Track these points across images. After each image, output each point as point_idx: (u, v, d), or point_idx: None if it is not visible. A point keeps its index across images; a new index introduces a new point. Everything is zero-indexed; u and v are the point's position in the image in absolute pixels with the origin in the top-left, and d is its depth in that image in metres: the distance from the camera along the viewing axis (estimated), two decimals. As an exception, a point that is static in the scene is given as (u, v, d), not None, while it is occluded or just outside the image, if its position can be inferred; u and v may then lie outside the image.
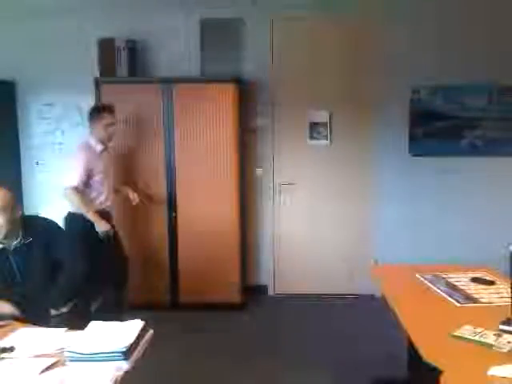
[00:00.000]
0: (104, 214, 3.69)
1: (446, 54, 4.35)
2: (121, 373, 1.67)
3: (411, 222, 4.56)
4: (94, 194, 3.67)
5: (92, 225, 3.58)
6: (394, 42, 4.35)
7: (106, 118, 3.68)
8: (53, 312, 2.49)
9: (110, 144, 3.84)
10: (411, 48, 4.36)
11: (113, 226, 3.78)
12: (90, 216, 3.56)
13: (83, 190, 3.58)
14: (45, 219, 2.78)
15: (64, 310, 2.52)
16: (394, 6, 4.26)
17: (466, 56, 4.34)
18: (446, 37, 4.35)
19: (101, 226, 3.58)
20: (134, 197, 3.98)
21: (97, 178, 3.65)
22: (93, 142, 3.70)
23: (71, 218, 3.61)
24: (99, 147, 3.69)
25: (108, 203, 3.79)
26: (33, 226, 2.59)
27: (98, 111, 3.72)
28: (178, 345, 3.57)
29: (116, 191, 3.99)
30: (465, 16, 4.32)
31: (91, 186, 3.64)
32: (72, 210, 3.63)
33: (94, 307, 3.13)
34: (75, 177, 3.53)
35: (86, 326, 1.94)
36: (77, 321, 2.17)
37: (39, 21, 4.46)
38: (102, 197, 3.72)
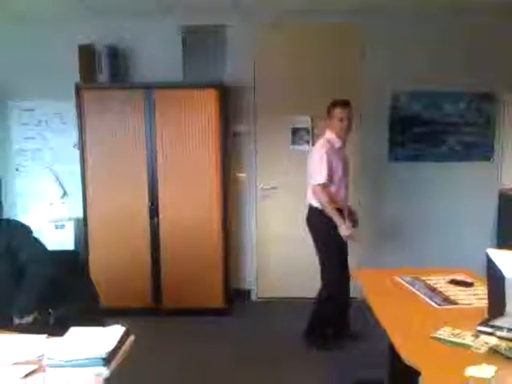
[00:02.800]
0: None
1: (425, 62, 4.44)
2: (101, 379, 1.66)
3: (392, 227, 4.62)
4: (332, 192, 3.59)
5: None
6: (374, 50, 4.42)
7: (339, 114, 3.60)
8: (16, 321, 2.40)
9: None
10: (391, 55, 4.44)
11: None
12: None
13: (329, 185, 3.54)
14: (8, 220, 2.71)
15: (29, 319, 2.42)
16: (375, 14, 4.32)
17: (444, 63, 4.43)
18: (425, 45, 4.44)
19: (341, 230, 3.51)
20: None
21: (335, 174, 3.59)
22: (332, 137, 3.63)
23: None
24: (338, 143, 3.64)
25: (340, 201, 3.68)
26: None
27: (332, 106, 3.63)
28: (160, 351, 3.55)
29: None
30: (443, 25, 4.41)
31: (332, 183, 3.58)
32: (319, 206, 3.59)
33: (52, 319, 3.03)
34: (323, 174, 3.50)
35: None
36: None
37: (20, 27, 4.45)
38: (336, 193, 3.62)
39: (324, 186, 3.51)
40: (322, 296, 3.71)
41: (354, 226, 3.76)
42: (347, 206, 3.78)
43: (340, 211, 3.60)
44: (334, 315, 3.74)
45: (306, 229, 3.77)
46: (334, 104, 3.64)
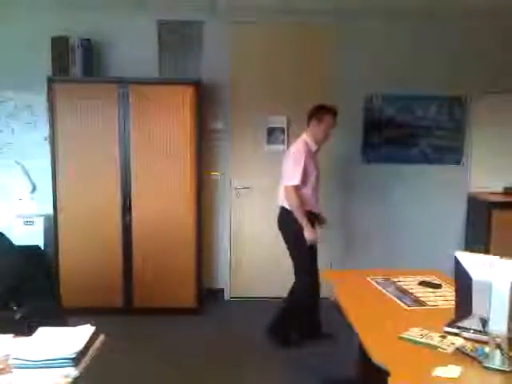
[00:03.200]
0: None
1: (398, 65, 4.51)
2: (69, 380, 1.63)
3: (365, 229, 4.68)
4: (304, 194, 3.58)
5: None
6: (348, 52, 4.47)
7: (328, 122, 3.62)
8: None
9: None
10: (365, 57, 4.50)
11: None
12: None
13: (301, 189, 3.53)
14: None
15: None
16: (349, 16, 4.36)
17: (417, 67, 4.52)
18: (398, 48, 4.51)
19: (307, 235, 3.51)
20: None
21: (310, 178, 3.59)
22: (309, 140, 3.63)
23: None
24: (314, 147, 3.64)
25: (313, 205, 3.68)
26: None
27: (326, 112, 3.62)
28: (131, 351, 3.51)
29: None
30: (416, 29, 4.48)
31: (305, 186, 3.56)
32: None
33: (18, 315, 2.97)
34: (297, 176, 3.49)
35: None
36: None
37: (-11, 15, 4.32)
38: (310, 197, 3.62)
39: (297, 188, 3.52)
40: (292, 295, 3.73)
41: (322, 226, 3.82)
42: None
43: (313, 214, 3.64)
44: (304, 316, 3.77)
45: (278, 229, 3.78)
46: (329, 111, 3.65)
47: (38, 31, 4.24)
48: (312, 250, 3.69)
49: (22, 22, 4.32)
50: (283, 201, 3.65)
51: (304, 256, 3.63)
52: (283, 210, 3.68)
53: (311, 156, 3.62)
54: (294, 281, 3.73)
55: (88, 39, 4.25)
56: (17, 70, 4.31)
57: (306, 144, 3.62)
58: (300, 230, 3.54)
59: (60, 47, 4.10)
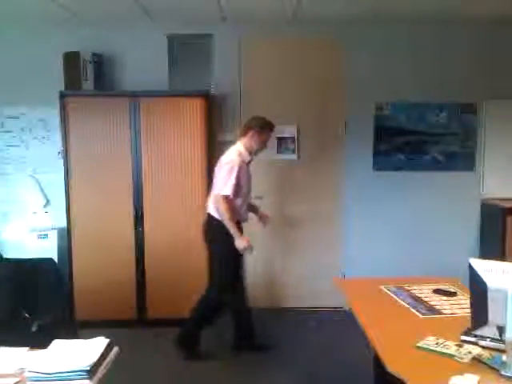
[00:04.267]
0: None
1: (408, 73, 4.51)
2: (84, 392, 1.64)
3: (377, 237, 4.66)
4: (237, 204, 3.58)
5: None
6: (358, 61, 4.48)
7: (267, 134, 3.64)
8: None
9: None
10: (376, 66, 4.51)
11: None
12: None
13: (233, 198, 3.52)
14: None
15: None
16: (358, 26, 4.38)
17: (427, 74, 4.51)
18: (408, 56, 4.51)
19: (239, 244, 3.50)
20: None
21: (243, 188, 3.59)
22: (243, 151, 3.63)
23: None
24: (248, 157, 3.64)
25: (242, 215, 3.71)
26: None
27: (263, 125, 3.64)
28: (145, 362, 3.51)
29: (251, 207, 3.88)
30: (426, 37, 4.49)
31: (237, 196, 3.55)
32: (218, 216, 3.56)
33: (35, 327, 2.99)
34: (229, 186, 3.47)
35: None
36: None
37: (5, 33, 4.41)
38: (241, 207, 3.63)
39: (227, 198, 3.48)
40: (199, 306, 3.71)
41: (264, 223, 3.93)
42: (257, 208, 3.90)
43: (238, 223, 3.63)
44: (243, 326, 3.75)
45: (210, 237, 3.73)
46: (267, 124, 3.65)
47: (51, 47, 4.31)
48: (239, 260, 3.66)
49: (35, 38, 4.40)
50: (212, 208, 3.60)
51: (228, 270, 3.60)
52: (210, 217, 3.62)
53: (244, 167, 3.60)
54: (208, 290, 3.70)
55: (99, 54, 4.31)
56: (30, 86, 4.38)
57: (241, 154, 3.60)
58: (227, 241, 3.49)
59: (72, 62, 4.16)
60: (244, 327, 3.76)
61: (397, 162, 4.62)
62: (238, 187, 3.51)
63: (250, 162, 3.69)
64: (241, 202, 3.61)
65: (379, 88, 4.53)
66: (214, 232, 3.60)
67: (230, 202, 3.49)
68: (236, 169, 3.48)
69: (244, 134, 3.66)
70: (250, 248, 3.55)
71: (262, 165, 4.65)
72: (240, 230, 3.58)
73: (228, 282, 3.61)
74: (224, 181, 3.48)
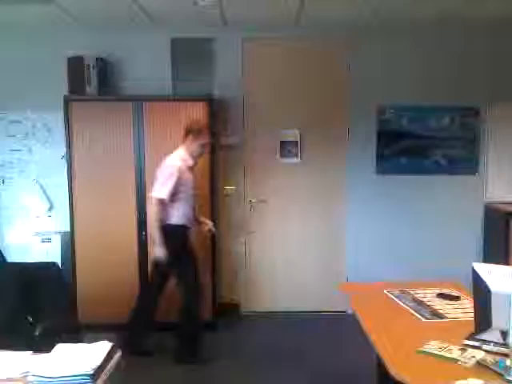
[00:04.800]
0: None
1: (411, 76, 4.51)
2: (88, 396, 1.64)
3: (381, 240, 4.65)
4: (177, 208, 3.57)
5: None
6: (362, 65, 4.49)
7: (205, 139, 3.65)
8: None
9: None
10: (378, 70, 4.51)
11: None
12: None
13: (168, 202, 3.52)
14: None
15: None
16: (364, 30, 4.39)
17: (430, 78, 4.51)
18: (410, 60, 4.51)
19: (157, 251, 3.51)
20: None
21: (185, 192, 3.59)
22: (185, 155, 3.63)
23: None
24: (191, 161, 3.65)
25: (191, 222, 3.73)
26: None
27: (201, 130, 3.65)
28: (147, 366, 3.51)
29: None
30: (428, 40, 4.49)
31: (179, 200, 3.56)
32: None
33: (38, 331, 2.99)
34: (164, 190, 3.47)
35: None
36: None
37: (8, 38, 4.44)
38: (184, 211, 3.63)
39: (161, 202, 3.47)
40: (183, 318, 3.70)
41: (212, 232, 3.93)
42: (200, 218, 3.87)
43: (187, 228, 3.64)
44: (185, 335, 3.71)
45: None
46: (207, 128, 3.68)
47: (55, 52, 4.32)
48: (194, 264, 3.67)
49: (39, 42, 4.42)
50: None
51: (187, 270, 3.61)
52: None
53: (186, 170, 3.60)
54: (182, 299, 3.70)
55: (103, 58, 4.33)
56: (34, 90, 4.40)
57: (183, 159, 3.60)
58: (183, 241, 3.54)
59: (76, 67, 4.17)
60: (188, 336, 3.69)
61: (399, 165, 4.61)
62: (177, 192, 3.51)
63: (193, 166, 3.68)
64: (183, 207, 3.59)
65: (382, 92, 4.53)
66: (168, 237, 3.55)
67: (165, 206, 3.49)
68: (176, 174, 3.49)
69: (184, 138, 3.67)
70: (162, 259, 3.52)
71: (265, 169, 4.67)
72: (186, 235, 3.60)
73: (191, 285, 3.62)
74: (161, 184, 3.49)
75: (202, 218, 3.91)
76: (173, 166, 3.53)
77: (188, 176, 3.61)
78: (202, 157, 3.81)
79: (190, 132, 3.64)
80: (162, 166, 3.60)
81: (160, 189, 3.49)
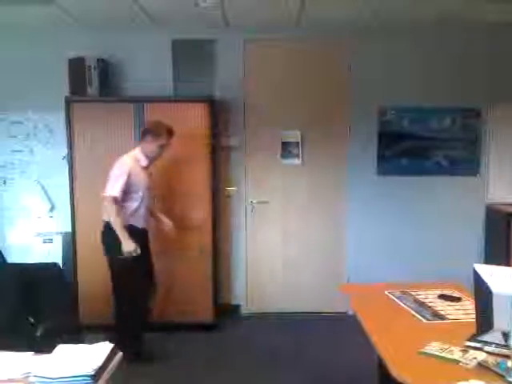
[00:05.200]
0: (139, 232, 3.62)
1: (412, 77, 4.51)
2: (89, 397, 1.64)
3: (382, 241, 4.64)
4: (130, 207, 3.55)
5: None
6: (363, 66, 4.49)
7: (164, 140, 3.61)
8: None
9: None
10: (379, 71, 4.51)
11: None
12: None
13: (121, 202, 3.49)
14: None
15: None
16: (365, 31, 4.39)
17: (431, 79, 4.51)
18: (411, 61, 4.51)
19: (125, 246, 3.44)
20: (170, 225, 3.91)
21: (138, 192, 3.56)
22: (140, 155, 3.62)
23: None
24: (145, 162, 3.62)
25: (145, 223, 3.72)
26: None
27: (161, 131, 3.60)
28: (147, 367, 3.51)
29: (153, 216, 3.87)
30: (429, 42, 4.49)
31: (131, 199, 3.54)
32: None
33: (40, 331, 2.98)
34: (116, 188, 3.44)
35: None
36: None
37: (9, 39, 4.44)
38: (138, 212, 3.61)
39: (115, 200, 3.45)
40: (118, 316, 3.63)
41: (169, 231, 3.88)
42: (160, 218, 3.85)
43: (138, 229, 3.61)
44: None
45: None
46: (166, 129, 3.62)
47: (56, 53, 4.33)
48: (141, 262, 3.59)
49: (40, 43, 4.43)
50: (104, 214, 3.58)
51: (127, 272, 3.50)
52: (106, 224, 3.57)
53: (139, 170, 3.58)
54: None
55: (104, 60, 4.34)
56: (35, 91, 4.40)
57: (136, 158, 3.59)
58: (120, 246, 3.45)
59: (77, 68, 4.18)
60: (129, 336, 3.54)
61: (400, 166, 4.61)
62: (129, 191, 3.50)
63: (148, 166, 3.67)
64: (136, 207, 3.57)
65: (383, 93, 4.53)
66: (109, 237, 3.52)
67: (120, 204, 3.48)
68: (127, 172, 3.47)
69: (141, 138, 3.66)
70: (135, 253, 3.46)
71: (266, 170, 4.67)
72: (135, 236, 3.54)
73: (128, 288, 3.52)
74: (113, 183, 3.47)
75: (163, 218, 3.90)
76: (123, 166, 3.51)
77: (141, 176, 3.58)
78: (161, 157, 3.75)
79: (149, 133, 3.61)
80: (113, 165, 3.57)
81: (111, 187, 3.47)
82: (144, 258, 3.66)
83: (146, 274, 3.74)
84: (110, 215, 3.46)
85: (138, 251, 3.48)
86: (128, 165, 3.52)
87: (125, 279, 3.53)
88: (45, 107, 4.43)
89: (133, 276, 3.53)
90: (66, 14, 3.98)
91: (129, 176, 3.48)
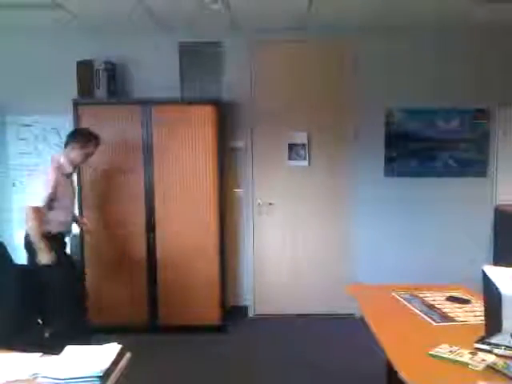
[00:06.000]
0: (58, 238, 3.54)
1: (420, 79, 4.49)
2: (97, 398, 1.65)
3: (389, 243, 4.62)
4: (54, 215, 3.47)
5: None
6: (368, 67, 4.47)
7: (91, 148, 3.59)
8: None
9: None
10: (387, 72, 4.50)
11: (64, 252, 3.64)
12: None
13: (45, 210, 3.40)
14: None
15: None
16: (371, 32, 4.38)
17: (439, 80, 4.49)
18: (419, 62, 4.49)
19: (43, 258, 3.32)
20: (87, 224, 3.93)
21: (62, 199, 3.49)
22: (64, 162, 3.55)
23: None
24: (69, 169, 3.57)
25: (69, 229, 3.68)
26: None
27: (89, 139, 3.57)
28: (156, 368, 3.52)
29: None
30: (437, 42, 4.47)
31: (54, 207, 3.45)
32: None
33: (47, 333, 2.97)
34: (40, 197, 3.35)
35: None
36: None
37: (19, 42, 4.48)
38: (62, 219, 3.55)
39: (38, 210, 3.34)
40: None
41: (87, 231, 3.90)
42: (80, 219, 3.88)
43: (64, 235, 3.58)
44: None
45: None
46: (92, 137, 3.58)
47: (64, 56, 4.36)
48: (69, 270, 3.53)
49: (48, 47, 4.46)
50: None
51: (57, 279, 3.35)
52: (28, 235, 3.45)
53: (63, 178, 3.52)
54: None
55: (112, 62, 4.36)
56: (44, 94, 4.43)
57: (59, 166, 3.51)
58: (58, 253, 3.39)
59: (85, 71, 4.21)
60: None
61: (408, 168, 4.59)
62: (54, 199, 3.41)
63: (71, 173, 3.62)
64: (61, 215, 3.52)
65: (390, 94, 4.51)
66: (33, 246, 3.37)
67: (41, 215, 3.36)
68: (51, 180, 3.37)
69: (65, 145, 3.59)
70: (50, 261, 3.33)
71: (273, 171, 4.67)
72: (63, 243, 3.54)
73: (65, 308, 3.36)
74: (37, 192, 3.37)
75: (83, 219, 3.93)
76: (47, 174, 3.42)
77: (65, 183, 3.53)
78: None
79: (76, 140, 3.56)
80: (35, 173, 3.52)
81: (35, 197, 3.36)
82: (68, 263, 3.59)
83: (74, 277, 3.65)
84: (32, 226, 3.33)
85: (54, 259, 3.35)
86: (53, 174, 3.43)
87: (57, 287, 3.38)
88: (53, 110, 4.45)
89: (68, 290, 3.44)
90: (75, 18, 4.01)
91: (52, 185, 3.38)
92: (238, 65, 4.53)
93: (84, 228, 3.94)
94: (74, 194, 3.77)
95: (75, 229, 4.30)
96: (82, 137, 3.58)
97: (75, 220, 3.86)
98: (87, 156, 3.62)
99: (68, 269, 3.52)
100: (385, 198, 4.60)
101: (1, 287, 2.64)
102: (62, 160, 3.56)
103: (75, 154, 3.56)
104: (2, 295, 2.61)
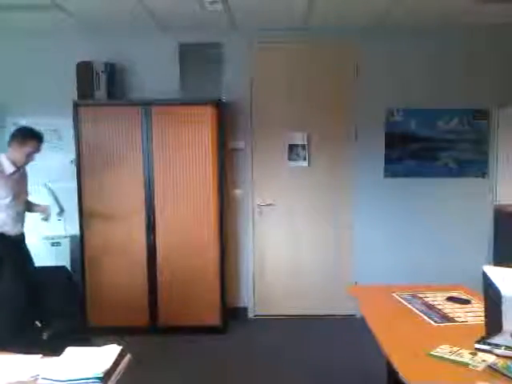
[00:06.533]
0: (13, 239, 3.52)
1: (419, 79, 4.49)
2: (97, 399, 1.64)
3: (389, 243, 4.63)
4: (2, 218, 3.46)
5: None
6: (368, 67, 4.48)
7: (30, 147, 3.53)
8: None
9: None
10: (387, 73, 4.50)
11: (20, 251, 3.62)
12: None
13: None
14: None
15: None
16: (371, 31, 4.39)
17: (439, 81, 4.49)
18: (419, 62, 4.50)
19: None
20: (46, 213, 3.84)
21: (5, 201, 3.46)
22: (5, 162, 3.51)
23: None
24: (11, 169, 3.52)
25: (16, 228, 3.62)
26: None
27: (28, 137, 3.53)
28: (156, 370, 3.52)
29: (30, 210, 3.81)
30: (437, 43, 4.48)
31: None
32: None
33: (48, 334, 2.95)
34: None
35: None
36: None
37: (18, 44, 4.48)
38: (9, 220, 3.52)
39: None
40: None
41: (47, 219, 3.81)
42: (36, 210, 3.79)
43: (9, 236, 3.52)
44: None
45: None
46: (34, 135, 3.54)
47: (64, 57, 4.37)
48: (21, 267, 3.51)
49: (48, 48, 4.46)
50: None
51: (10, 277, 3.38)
52: None
53: (4, 178, 3.48)
54: None
55: (111, 63, 4.36)
56: (43, 95, 4.44)
57: (1, 165, 3.48)
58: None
59: (85, 72, 4.21)
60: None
61: (408, 168, 4.60)
62: None
63: (15, 172, 3.56)
64: (6, 215, 3.49)
65: (390, 94, 4.52)
66: None
67: None
68: None
69: (9, 144, 3.56)
70: None
71: (273, 172, 4.67)
72: (6, 244, 3.48)
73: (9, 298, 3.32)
74: None
75: (40, 209, 3.84)
76: None
77: (9, 183, 3.50)
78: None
79: (15, 139, 3.52)
80: None
81: None
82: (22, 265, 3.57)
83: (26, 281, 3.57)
84: None
85: None
86: None
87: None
88: (53, 111, 4.46)
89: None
90: (74, 19, 4.01)
91: None
92: (238, 65, 4.54)
93: (42, 217, 3.83)
94: (22, 192, 3.66)
95: (75, 230, 4.33)
96: (21, 135, 3.53)
97: (31, 210, 3.77)
98: (28, 155, 3.55)
99: (11, 273, 3.42)
100: (384, 199, 4.61)
101: None
102: (5, 160, 3.51)
103: (15, 152, 3.52)
104: None
